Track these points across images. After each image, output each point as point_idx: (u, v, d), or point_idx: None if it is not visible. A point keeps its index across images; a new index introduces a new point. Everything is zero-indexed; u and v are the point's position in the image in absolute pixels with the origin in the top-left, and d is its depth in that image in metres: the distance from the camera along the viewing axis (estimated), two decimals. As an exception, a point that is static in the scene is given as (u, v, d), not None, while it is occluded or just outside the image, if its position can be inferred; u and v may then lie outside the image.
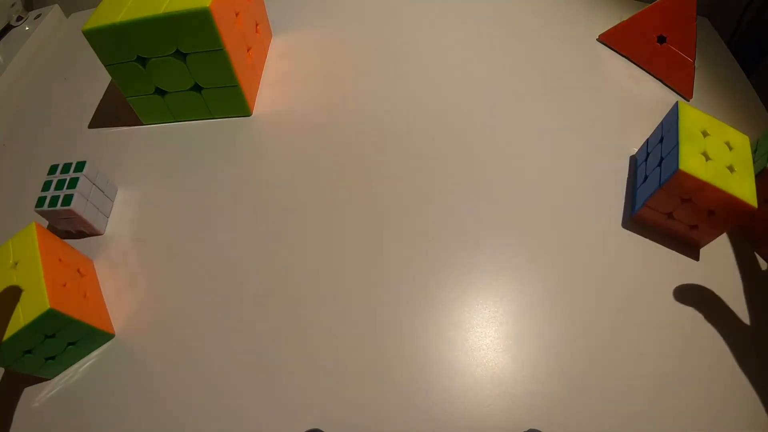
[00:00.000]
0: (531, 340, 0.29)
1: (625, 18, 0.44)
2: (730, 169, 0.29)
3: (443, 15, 0.48)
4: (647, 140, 0.36)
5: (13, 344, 0.25)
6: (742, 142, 0.31)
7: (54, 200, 0.32)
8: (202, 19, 0.32)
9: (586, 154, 0.37)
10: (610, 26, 0.45)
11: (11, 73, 0.48)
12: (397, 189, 0.36)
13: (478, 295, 0.31)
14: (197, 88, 0.38)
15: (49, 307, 0.25)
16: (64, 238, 0.32)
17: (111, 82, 0.45)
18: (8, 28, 0.51)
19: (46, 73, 0.49)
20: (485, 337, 0.29)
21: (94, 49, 0.35)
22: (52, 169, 0.34)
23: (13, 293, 0.26)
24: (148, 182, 0.38)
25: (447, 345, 0.29)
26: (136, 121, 0.42)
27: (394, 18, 0.48)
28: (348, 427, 0.27)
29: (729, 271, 0.32)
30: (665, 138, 0.32)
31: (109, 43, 0.34)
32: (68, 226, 0.34)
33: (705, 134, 0.31)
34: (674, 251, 0.33)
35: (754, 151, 0.34)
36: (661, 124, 0.34)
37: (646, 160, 0.34)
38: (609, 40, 0.45)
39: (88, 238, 0.35)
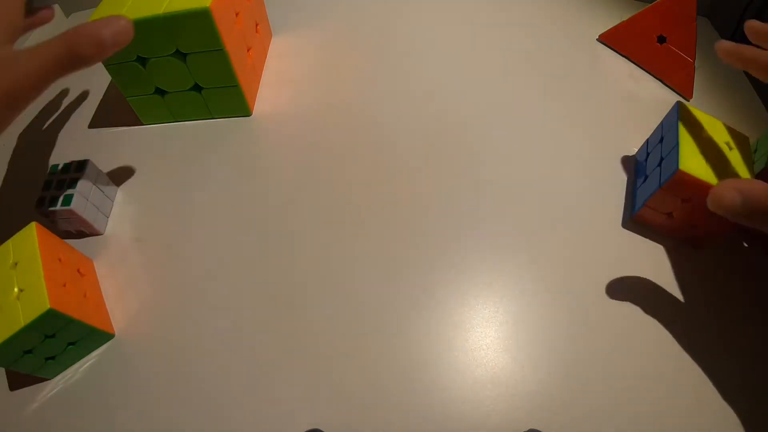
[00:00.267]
0: (531, 340, 0.29)
1: (625, 18, 0.44)
2: (731, 169, 0.29)
3: (444, 15, 0.48)
4: (647, 140, 0.36)
5: (13, 344, 0.25)
6: (742, 142, 0.31)
7: (54, 200, 0.32)
8: (202, 19, 0.32)
9: (586, 154, 0.37)
10: (610, 26, 0.45)
11: (11, 73, 0.48)
12: (397, 189, 0.36)
13: (478, 295, 0.31)
14: (197, 88, 0.38)
15: (49, 307, 0.25)
16: (64, 238, 0.32)
17: (111, 82, 0.45)
18: (8, 28, 0.51)
19: (46, 73, 0.49)
20: (485, 337, 0.29)
21: None
22: (52, 169, 0.34)
23: (13, 293, 0.26)
24: (148, 182, 0.38)
25: (447, 345, 0.29)
26: (136, 121, 0.42)
27: (394, 17, 0.48)
28: (348, 427, 0.27)
29: (729, 271, 0.32)
30: (665, 138, 0.32)
31: None
32: (68, 226, 0.34)
33: (705, 134, 0.31)
34: (674, 251, 0.33)
35: (754, 151, 0.34)
36: (661, 124, 0.34)
37: (646, 160, 0.34)
38: (609, 40, 0.45)
39: (88, 238, 0.35)
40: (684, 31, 0.40)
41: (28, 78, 0.24)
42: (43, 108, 0.45)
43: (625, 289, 0.31)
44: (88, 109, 0.44)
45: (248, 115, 0.41)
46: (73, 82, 0.47)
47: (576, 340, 0.29)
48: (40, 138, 0.42)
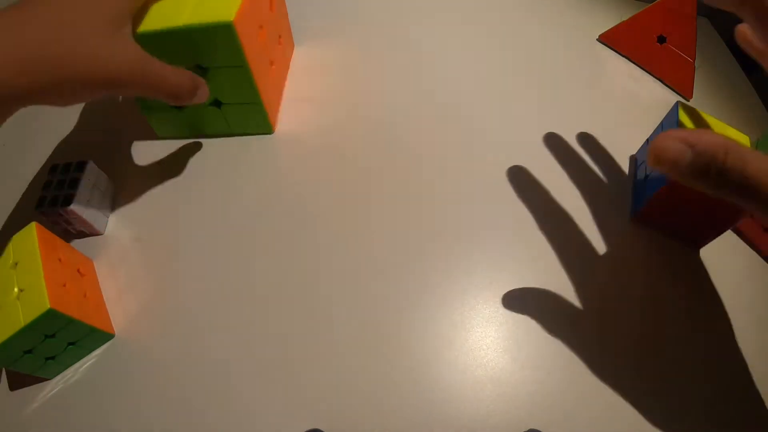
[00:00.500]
0: (531, 340, 0.29)
1: (625, 18, 0.44)
2: (730, 169, 0.29)
3: (444, 14, 0.48)
4: (647, 140, 0.36)
5: (13, 344, 0.25)
6: (742, 142, 0.31)
7: (54, 200, 0.32)
8: (224, 33, 0.30)
9: (586, 153, 0.37)
10: (610, 26, 0.45)
11: (11, 73, 0.47)
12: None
13: (478, 295, 0.31)
14: (217, 103, 0.36)
15: (49, 307, 0.25)
16: (64, 238, 0.32)
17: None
18: (8, 28, 0.51)
19: (46, 73, 0.49)
20: (485, 337, 0.29)
21: None
22: (52, 169, 0.34)
23: (13, 293, 0.26)
24: (148, 182, 0.38)
25: (447, 345, 0.29)
26: (135, 121, 0.41)
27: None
28: (347, 427, 0.27)
29: (729, 271, 0.32)
30: (665, 138, 0.32)
31: None
32: (68, 226, 0.34)
33: (705, 134, 0.30)
34: (674, 251, 0.33)
35: (754, 151, 0.34)
36: (661, 124, 0.34)
37: (646, 160, 0.34)
38: (609, 40, 0.45)
39: (88, 238, 0.35)
40: (684, 31, 0.40)
41: (127, 73, 0.27)
42: (44, 107, 0.45)
43: (625, 288, 0.31)
44: (88, 109, 0.44)
45: (270, 133, 0.39)
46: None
47: (576, 340, 0.29)
48: (40, 138, 0.42)
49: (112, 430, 0.27)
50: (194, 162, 0.38)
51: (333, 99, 0.41)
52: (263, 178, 0.37)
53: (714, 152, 0.20)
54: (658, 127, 0.34)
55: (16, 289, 0.26)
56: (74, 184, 0.33)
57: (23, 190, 0.38)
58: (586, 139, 0.38)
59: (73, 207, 0.32)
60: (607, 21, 0.45)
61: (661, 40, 0.41)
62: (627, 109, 0.40)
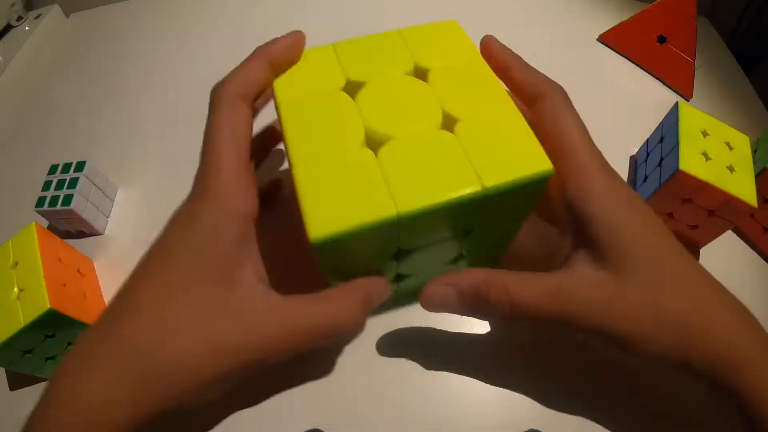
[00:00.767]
0: (531, 339, 0.29)
1: (625, 18, 0.44)
2: (730, 169, 0.29)
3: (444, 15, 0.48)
4: (647, 140, 0.36)
5: (13, 344, 0.25)
6: (742, 142, 0.31)
7: (54, 200, 0.32)
8: (539, 186, 0.20)
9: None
10: (610, 26, 0.45)
11: (11, 73, 0.48)
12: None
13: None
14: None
15: (49, 307, 0.25)
16: (64, 238, 0.32)
17: (110, 81, 0.45)
18: (8, 28, 0.51)
19: (46, 73, 0.49)
20: (486, 335, 0.29)
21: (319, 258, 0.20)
22: (52, 169, 0.34)
23: (13, 293, 0.26)
24: (148, 182, 0.38)
25: (447, 344, 0.29)
26: (135, 121, 0.42)
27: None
28: (347, 426, 0.27)
29: (729, 271, 0.32)
30: (665, 138, 0.32)
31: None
32: (68, 226, 0.34)
33: (705, 134, 0.31)
34: (674, 251, 0.32)
35: (754, 151, 0.34)
36: (661, 124, 0.34)
37: (646, 160, 0.34)
38: (609, 40, 0.45)
39: (88, 238, 0.35)
40: (684, 31, 0.40)
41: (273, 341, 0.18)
42: (44, 107, 0.45)
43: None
44: (88, 109, 0.44)
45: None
46: (73, 82, 0.47)
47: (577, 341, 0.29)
48: (40, 138, 0.42)
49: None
50: (194, 161, 0.38)
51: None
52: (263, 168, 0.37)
53: (475, 289, 0.20)
54: (658, 127, 0.34)
55: (16, 289, 0.26)
56: (74, 184, 0.33)
57: (23, 190, 0.38)
58: (586, 139, 0.38)
59: (73, 207, 0.32)
60: (607, 21, 0.45)
61: (661, 40, 0.41)
62: (627, 109, 0.40)
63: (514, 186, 0.19)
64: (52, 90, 0.47)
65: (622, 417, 0.26)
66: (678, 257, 0.21)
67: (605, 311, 0.19)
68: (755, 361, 0.19)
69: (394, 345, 0.29)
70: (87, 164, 0.34)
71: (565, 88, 0.26)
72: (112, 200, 0.37)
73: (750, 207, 0.28)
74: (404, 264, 0.23)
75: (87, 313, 0.28)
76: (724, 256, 0.33)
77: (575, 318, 0.19)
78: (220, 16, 0.51)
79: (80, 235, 0.35)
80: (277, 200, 0.31)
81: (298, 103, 0.22)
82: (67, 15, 0.55)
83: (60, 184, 0.33)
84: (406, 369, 0.28)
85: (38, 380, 0.29)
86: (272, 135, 0.29)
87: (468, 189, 0.18)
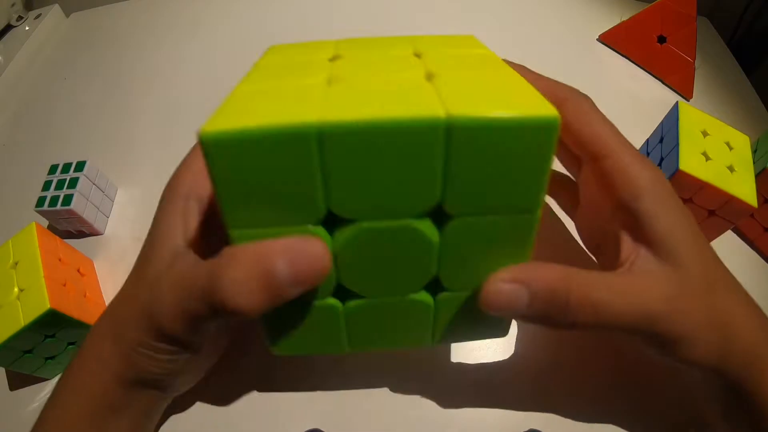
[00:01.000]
0: (532, 339, 0.29)
1: (625, 18, 0.44)
2: (730, 169, 0.29)
3: (444, 15, 0.48)
4: (647, 140, 0.36)
5: (13, 344, 0.25)
6: (742, 142, 0.31)
7: (54, 200, 0.32)
8: (543, 138, 0.14)
9: (586, 154, 0.37)
10: (610, 26, 0.45)
11: (11, 73, 0.48)
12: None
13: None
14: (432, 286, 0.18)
15: (49, 307, 0.25)
16: (64, 238, 0.32)
17: (111, 81, 0.45)
18: (8, 28, 0.51)
19: (46, 73, 0.49)
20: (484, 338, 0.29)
21: None
22: (52, 169, 0.34)
23: (13, 293, 0.26)
24: (148, 182, 0.38)
25: (447, 345, 0.29)
26: (135, 121, 0.42)
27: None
28: (347, 426, 0.27)
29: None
30: (665, 138, 0.32)
31: None
32: (68, 226, 0.34)
33: (705, 134, 0.31)
34: (674, 251, 0.32)
35: (754, 151, 0.34)
36: (661, 124, 0.34)
37: (646, 160, 0.34)
38: (609, 40, 0.45)
39: (88, 238, 0.35)
40: (684, 31, 0.40)
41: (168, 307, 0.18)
42: (44, 107, 0.45)
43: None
44: (88, 109, 0.44)
45: None
46: (73, 82, 0.47)
47: (577, 340, 0.29)
48: (40, 138, 0.42)
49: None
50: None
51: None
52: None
53: (551, 292, 0.16)
54: (658, 127, 0.34)
55: (16, 289, 0.26)
56: (74, 184, 0.33)
57: (23, 190, 0.38)
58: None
59: (73, 207, 0.32)
60: (607, 21, 0.46)
61: (661, 40, 0.41)
62: (627, 109, 0.40)
63: (497, 130, 0.14)
64: (52, 90, 0.47)
65: (622, 417, 0.26)
66: (711, 253, 0.21)
67: (670, 311, 0.18)
68: None
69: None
70: (87, 164, 0.34)
71: (565, 88, 0.26)
72: (112, 200, 0.37)
73: (750, 207, 0.28)
74: (344, 254, 0.16)
75: (87, 313, 0.28)
76: (724, 256, 0.32)
77: (656, 322, 0.18)
78: (220, 16, 0.51)
79: (80, 235, 0.35)
80: None
81: (274, 59, 0.20)
82: (67, 15, 0.55)
83: (60, 184, 0.33)
84: (405, 368, 0.28)
85: (38, 380, 0.29)
86: None
87: (424, 112, 0.13)
